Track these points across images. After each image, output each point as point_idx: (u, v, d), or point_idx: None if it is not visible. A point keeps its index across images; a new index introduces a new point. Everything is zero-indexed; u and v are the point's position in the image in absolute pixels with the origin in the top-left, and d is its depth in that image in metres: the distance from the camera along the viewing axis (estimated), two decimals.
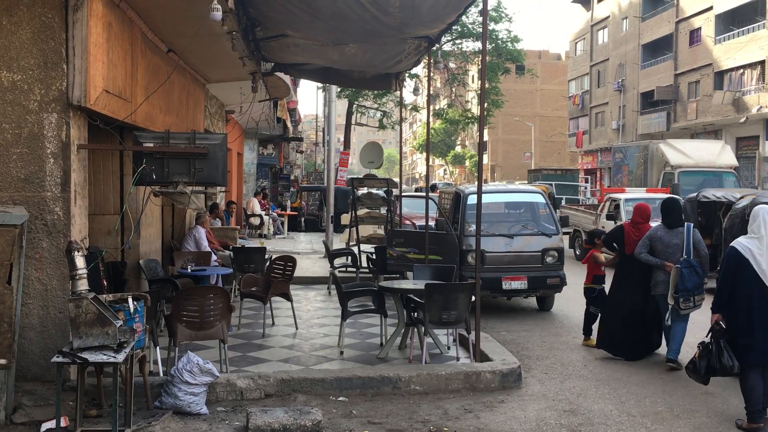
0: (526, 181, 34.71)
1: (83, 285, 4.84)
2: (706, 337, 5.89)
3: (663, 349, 7.69)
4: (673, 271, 7.06)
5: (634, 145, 24.43)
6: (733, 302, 5.60)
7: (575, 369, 7.28)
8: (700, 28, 36.10)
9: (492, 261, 9.90)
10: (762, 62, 31.33)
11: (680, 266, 7.07)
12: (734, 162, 21.21)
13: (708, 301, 6.43)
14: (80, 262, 4.90)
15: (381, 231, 14.31)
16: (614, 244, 8.25)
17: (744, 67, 32.70)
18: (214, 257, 10.10)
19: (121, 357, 4.69)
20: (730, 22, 34.06)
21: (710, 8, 34.78)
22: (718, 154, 20.72)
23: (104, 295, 5.21)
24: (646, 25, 41.35)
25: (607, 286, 8.30)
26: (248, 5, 7.28)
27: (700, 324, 7.67)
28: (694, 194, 12.71)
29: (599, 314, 8.18)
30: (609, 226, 14.08)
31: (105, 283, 6.70)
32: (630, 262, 7.74)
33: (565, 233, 13.36)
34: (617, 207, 15.85)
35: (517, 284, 9.90)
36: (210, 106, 13.11)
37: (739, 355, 5.56)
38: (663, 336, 7.75)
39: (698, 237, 7.33)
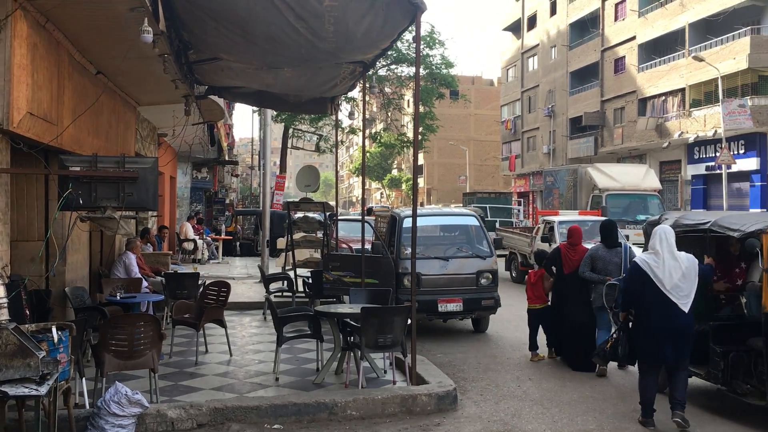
0: (461, 204, 35.19)
1: (3, 315, 4.64)
2: (615, 332, 6.78)
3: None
4: (605, 288, 7.30)
5: (564, 169, 25.16)
6: (637, 309, 6.25)
7: (510, 390, 7.38)
8: (624, 56, 37.67)
9: (428, 284, 9.97)
10: (682, 90, 32.87)
11: (618, 283, 7.32)
12: (658, 185, 22.07)
13: None
14: (0, 290, 4.69)
15: (317, 255, 14.24)
16: (553, 267, 8.71)
17: (666, 94, 34.24)
18: (144, 284, 9.84)
19: (43, 390, 4.50)
20: (653, 51, 35.69)
21: (633, 38, 36.37)
22: (643, 177, 21.53)
23: (26, 325, 5.00)
24: (574, 53, 42.87)
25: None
26: (181, 28, 7.21)
27: None
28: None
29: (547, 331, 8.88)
30: (543, 247, 14.41)
31: (28, 312, 6.42)
32: (570, 280, 8.32)
33: (500, 256, 13.59)
34: (551, 229, 15.86)
35: (452, 306, 9.98)
36: (141, 129, 12.85)
37: (638, 356, 6.31)
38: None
39: (634, 255, 7.72)
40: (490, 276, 10.30)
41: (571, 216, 17.20)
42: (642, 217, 19.36)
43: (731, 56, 29.23)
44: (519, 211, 36.66)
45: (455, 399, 6.64)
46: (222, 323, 8.64)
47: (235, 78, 9.40)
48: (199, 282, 10.37)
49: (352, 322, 7.16)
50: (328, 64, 8.36)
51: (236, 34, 6.86)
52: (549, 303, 8.84)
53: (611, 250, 8.08)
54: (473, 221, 11.36)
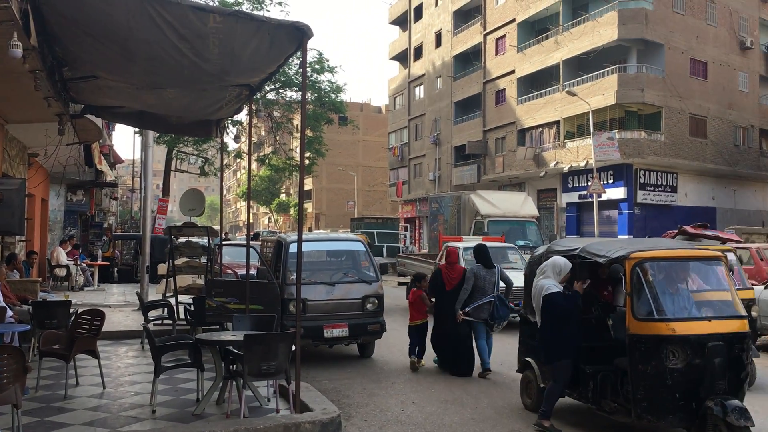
0: (349, 229, 35.37)
1: None
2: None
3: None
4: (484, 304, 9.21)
5: (448, 195, 25.86)
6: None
7: (394, 414, 7.42)
8: (504, 89, 39.44)
9: (313, 309, 9.91)
10: (557, 122, 34.77)
11: (494, 299, 9.21)
12: (535, 212, 23.11)
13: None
14: None
15: (201, 281, 13.82)
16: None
17: (543, 125, 36.09)
18: (9, 313, 9.17)
19: None
20: (531, 85, 37.61)
21: (513, 72, 38.17)
22: (522, 204, 22.49)
23: None
24: (458, 84, 44.43)
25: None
26: (54, 44, 6.86)
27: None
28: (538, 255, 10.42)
29: (431, 343, 9.87)
30: None
31: None
32: (450, 297, 9.53)
33: (402, 283, 13.62)
34: (456, 255, 15.52)
35: (338, 332, 9.96)
36: (9, 149, 12.07)
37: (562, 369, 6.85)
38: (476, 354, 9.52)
39: (504, 274, 9.57)
40: (376, 301, 10.37)
41: (475, 242, 17.24)
42: (521, 243, 20.20)
43: (601, 92, 31.29)
44: (406, 236, 37.26)
45: (339, 426, 6.60)
46: (95, 354, 8.17)
47: (114, 97, 9.04)
48: (71, 310, 9.78)
49: (234, 350, 6.98)
50: (213, 86, 8.21)
51: (115, 52, 6.63)
52: (427, 319, 9.89)
53: (489, 271, 9.49)
54: (359, 246, 11.43)
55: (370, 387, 8.77)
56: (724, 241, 12.74)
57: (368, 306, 10.28)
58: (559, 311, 6.75)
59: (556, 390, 6.85)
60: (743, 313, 6.34)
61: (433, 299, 10.01)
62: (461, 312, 9.34)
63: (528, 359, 7.75)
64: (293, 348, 6.88)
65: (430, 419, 7.24)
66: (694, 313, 6.28)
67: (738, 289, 7.63)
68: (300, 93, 31.35)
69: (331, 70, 31.55)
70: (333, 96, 32.01)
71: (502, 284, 9.58)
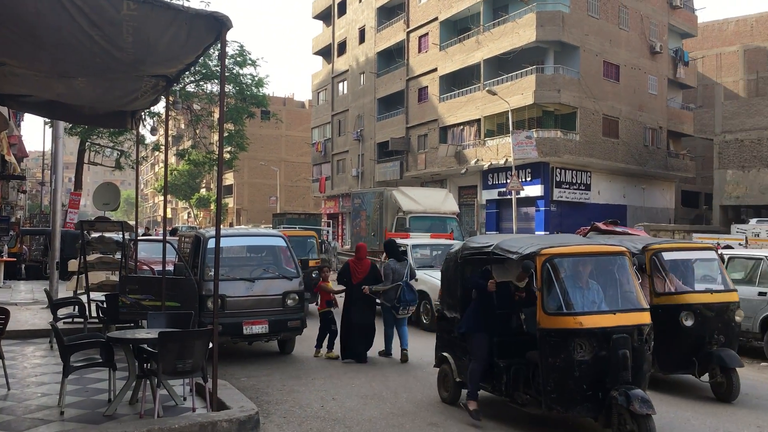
0: (271, 225, 34.98)
1: None
2: None
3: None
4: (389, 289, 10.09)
5: (371, 191, 25.93)
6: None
7: (313, 410, 7.40)
8: (427, 86, 39.88)
9: (232, 306, 9.75)
10: (478, 120, 35.44)
11: (402, 284, 10.04)
12: (456, 209, 23.45)
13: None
14: None
15: (114, 277, 13.36)
16: (344, 278, 10.48)
17: (464, 123, 36.71)
18: None
19: None
20: (452, 83, 38.18)
21: (435, 69, 38.65)
22: (443, 201, 22.78)
23: None
24: (381, 80, 44.63)
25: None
26: None
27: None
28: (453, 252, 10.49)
29: (338, 331, 10.42)
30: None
31: None
32: (358, 288, 10.18)
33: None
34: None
35: (258, 328, 9.84)
36: None
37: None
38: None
39: (412, 267, 10.90)
40: (297, 297, 10.30)
41: (423, 239, 16.73)
42: None
43: (520, 92, 32.08)
44: (328, 232, 37.15)
45: (257, 423, 6.52)
46: None
47: (21, 86, 8.59)
48: None
49: (148, 348, 6.79)
50: (127, 75, 7.93)
51: (21, 38, 6.30)
52: (327, 308, 10.65)
53: (400, 264, 10.39)
54: (280, 242, 11.31)
55: (290, 383, 8.71)
56: (633, 237, 13.28)
57: (289, 302, 10.19)
58: (474, 285, 7.25)
59: (476, 368, 7.03)
60: (645, 305, 6.63)
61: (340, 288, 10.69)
62: (366, 287, 10.16)
63: (445, 354, 7.87)
64: (210, 345, 6.75)
65: (350, 414, 7.26)
66: (600, 306, 6.52)
67: (719, 291, 8.65)
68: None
69: (253, 63, 31.09)
70: (255, 89, 31.58)
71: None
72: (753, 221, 29.22)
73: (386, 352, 10.54)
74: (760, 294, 10.87)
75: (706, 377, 8.34)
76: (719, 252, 9.67)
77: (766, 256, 11.31)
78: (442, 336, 8.06)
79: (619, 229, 14.58)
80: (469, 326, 7.22)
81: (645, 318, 6.49)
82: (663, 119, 38.83)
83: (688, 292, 8.44)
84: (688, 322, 8.12)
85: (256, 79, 31.68)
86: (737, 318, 8.49)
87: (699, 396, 8.39)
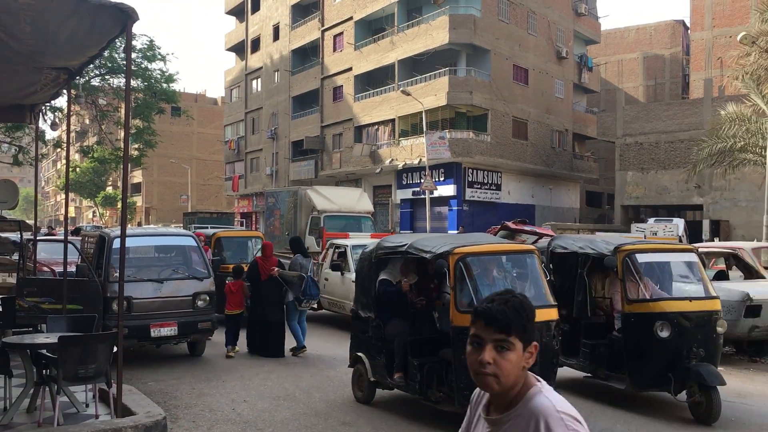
0: (182, 225, 34.09)
1: None
2: None
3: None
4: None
5: (285, 190, 25.70)
6: None
7: (224, 413, 7.25)
8: (342, 86, 39.86)
9: (140, 308, 9.43)
10: (393, 120, 35.72)
11: (308, 277, 10.34)
12: (371, 208, 23.58)
13: None
14: None
15: (12, 279, 12.66)
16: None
17: (379, 123, 36.91)
18: None
19: None
20: (367, 83, 38.32)
21: (350, 69, 38.69)
22: (357, 200, 22.85)
23: None
24: (296, 79, 44.27)
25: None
26: None
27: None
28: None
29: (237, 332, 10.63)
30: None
31: None
32: (266, 285, 10.44)
33: None
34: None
35: (166, 331, 9.55)
36: None
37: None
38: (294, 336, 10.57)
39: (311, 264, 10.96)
40: (207, 298, 10.07)
41: (363, 239, 15.41)
42: None
43: (433, 93, 32.56)
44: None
45: (165, 429, 6.32)
46: None
47: None
48: None
49: (47, 353, 6.46)
50: (25, 67, 7.51)
51: None
52: (243, 310, 10.81)
53: (306, 259, 10.78)
54: (190, 242, 11.02)
55: (199, 387, 8.50)
56: (541, 235, 13.71)
57: (199, 303, 9.95)
58: (384, 293, 7.51)
59: (399, 344, 7.17)
60: (554, 302, 6.86)
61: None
62: (276, 269, 10.51)
63: (359, 354, 7.86)
64: (115, 349, 6.50)
65: (262, 416, 7.16)
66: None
67: (700, 298, 7.61)
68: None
69: (163, 58, 30.28)
70: (164, 85, 30.71)
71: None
72: (651, 220, 30.76)
73: (299, 347, 10.55)
74: None
75: (683, 395, 7.32)
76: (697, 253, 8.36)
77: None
78: (357, 336, 8.05)
79: (527, 228, 15.03)
80: (383, 318, 7.39)
81: (553, 314, 6.70)
82: (569, 122, 40.31)
83: (665, 299, 7.59)
84: (664, 333, 7.22)
85: (166, 74, 30.88)
86: (719, 329, 7.44)
87: (676, 416, 7.39)
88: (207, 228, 26.62)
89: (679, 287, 8.30)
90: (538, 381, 2.00)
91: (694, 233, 30.28)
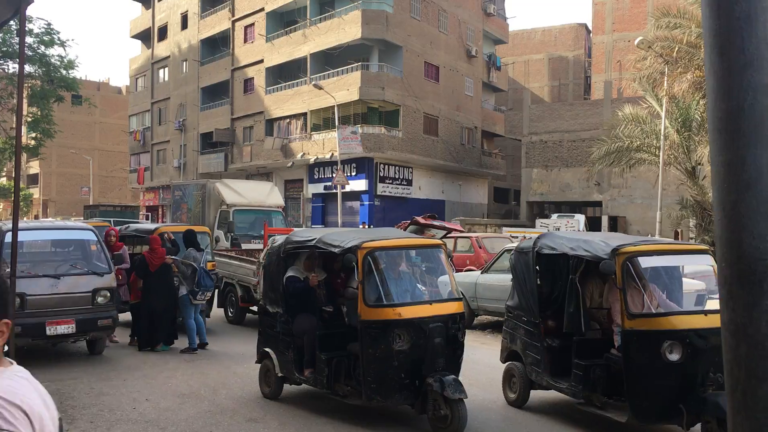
0: (82, 218, 32.67)
1: None
2: None
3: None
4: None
5: (193, 183, 25.06)
6: None
7: (124, 413, 7.00)
8: (253, 78, 39.23)
9: (34, 304, 8.93)
10: (305, 114, 35.48)
11: (200, 269, 10.26)
12: (281, 202, 23.34)
13: None
14: None
15: None
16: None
17: (291, 117, 36.58)
18: None
19: None
20: (279, 75, 37.87)
21: (261, 61, 38.12)
22: (268, 194, 22.54)
23: None
24: (205, 69, 43.21)
25: None
26: None
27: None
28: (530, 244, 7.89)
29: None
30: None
31: None
32: (155, 278, 10.37)
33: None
34: (158, 242, 12.59)
35: (63, 328, 9.11)
36: None
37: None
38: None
39: (207, 258, 10.80)
40: (108, 294, 9.67)
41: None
42: None
43: (346, 87, 32.54)
44: None
45: (60, 430, 6.03)
46: None
47: None
48: None
49: None
50: None
51: None
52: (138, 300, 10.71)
53: (199, 252, 10.54)
54: (90, 236, 10.56)
55: (98, 386, 8.16)
56: (450, 230, 13.96)
57: (99, 299, 9.54)
58: (292, 289, 7.39)
59: (308, 340, 7.13)
60: (459, 296, 7.01)
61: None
62: (170, 258, 10.59)
63: (267, 349, 7.76)
64: (6, 348, 6.14)
65: (165, 415, 6.95)
66: (418, 297, 6.79)
67: (715, 312, 5.74)
68: (25, 65, 28.21)
69: (63, 43, 28.85)
70: (64, 72, 29.28)
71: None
72: (554, 216, 31.97)
73: (191, 348, 10.33)
74: None
75: (697, 430, 6.04)
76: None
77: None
78: (265, 331, 7.94)
79: (437, 222, 15.23)
80: (291, 314, 7.35)
81: (459, 307, 6.82)
82: (478, 120, 41.22)
83: (674, 314, 6.23)
84: (674, 356, 5.88)
85: (66, 60, 29.42)
86: None
87: None
88: (110, 221, 25.63)
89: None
90: (11, 364, 1.87)
91: (594, 229, 31.70)
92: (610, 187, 34.23)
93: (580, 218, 30.40)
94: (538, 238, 7.59)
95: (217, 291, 13.04)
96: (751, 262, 1.49)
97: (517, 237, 23.86)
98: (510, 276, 12.67)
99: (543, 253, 7.30)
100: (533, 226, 31.17)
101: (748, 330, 1.49)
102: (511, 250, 13.99)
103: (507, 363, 7.75)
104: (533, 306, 7.25)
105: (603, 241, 6.51)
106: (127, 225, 14.91)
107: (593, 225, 32.94)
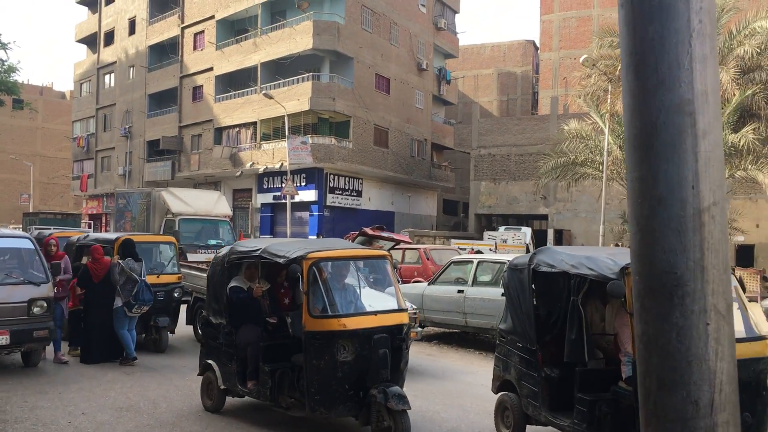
0: (21, 226, 31.67)
1: None
2: None
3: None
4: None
5: (138, 191, 24.59)
6: None
7: (59, 427, 6.78)
8: (202, 85, 38.78)
9: None
10: (255, 123, 35.22)
11: (141, 282, 9.88)
12: (229, 211, 23.07)
13: None
14: None
15: None
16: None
17: (240, 126, 36.26)
18: None
19: None
20: (229, 84, 37.54)
21: (211, 69, 37.73)
22: (215, 203, 22.27)
23: None
24: (153, 76, 42.52)
25: None
26: None
27: None
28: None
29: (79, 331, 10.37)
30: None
31: None
32: (98, 288, 10.07)
33: (184, 301, 11.76)
34: (100, 252, 12.92)
35: None
36: None
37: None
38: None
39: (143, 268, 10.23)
40: (45, 304, 9.37)
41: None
42: (213, 242, 20.01)
43: (296, 97, 32.44)
44: (88, 234, 34.46)
45: None
46: None
47: None
48: None
49: None
50: None
51: None
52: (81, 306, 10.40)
53: (138, 263, 10.15)
54: (27, 244, 10.23)
55: (33, 399, 7.89)
56: (398, 242, 14.02)
57: (35, 310, 9.24)
58: (236, 299, 7.28)
59: (251, 352, 7.03)
60: (404, 306, 7.02)
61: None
62: (117, 257, 10.18)
63: (209, 361, 7.63)
64: None
65: (102, 429, 6.77)
66: (362, 308, 6.77)
67: (742, 340, 5.25)
68: None
69: (4, 46, 28.01)
70: (4, 75, 28.43)
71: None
72: (502, 229, 32.43)
73: (129, 357, 10.01)
74: (503, 295, 11.96)
75: None
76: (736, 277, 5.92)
77: (509, 261, 12.51)
78: (208, 343, 7.81)
79: (385, 234, 15.29)
80: (235, 325, 7.25)
81: (403, 318, 6.79)
82: (428, 132, 41.58)
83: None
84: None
85: (6, 64, 28.57)
86: None
87: None
88: (50, 229, 24.92)
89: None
90: None
91: (539, 241, 32.25)
92: (556, 201, 34.92)
93: (527, 231, 30.90)
94: (535, 253, 6.77)
95: (185, 306, 12.39)
96: (662, 275, 1.55)
97: (464, 249, 24.14)
98: (456, 288, 12.96)
99: (540, 270, 6.43)
100: (481, 239, 31.55)
101: (659, 341, 1.55)
102: (458, 261, 14.22)
103: (500, 394, 6.88)
104: (529, 331, 6.41)
105: (609, 258, 5.66)
106: (86, 234, 14.17)
107: (539, 238, 33.53)
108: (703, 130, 1.54)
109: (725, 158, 18.60)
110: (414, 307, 10.55)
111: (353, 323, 6.40)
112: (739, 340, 4.33)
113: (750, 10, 23.76)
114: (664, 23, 1.53)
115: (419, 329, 10.89)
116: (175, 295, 11.48)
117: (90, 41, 50.28)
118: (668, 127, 1.53)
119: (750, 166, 18.33)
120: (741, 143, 17.85)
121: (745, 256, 28.64)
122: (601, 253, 6.10)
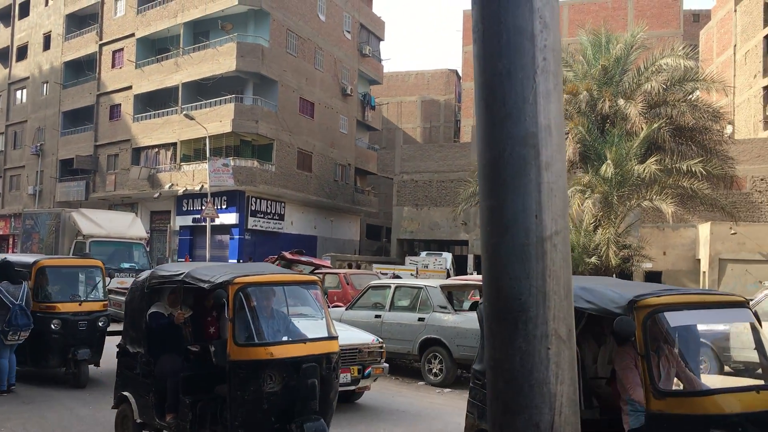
0: None
1: None
2: None
3: None
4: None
5: (46, 212, 23.64)
6: None
7: None
8: (120, 104, 37.78)
9: None
10: (175, 144, 34.50)
11: (15, 308, 9.33)
12: (144, 234, 22.48)
13: None
14: None
15: None
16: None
17: (159, 146, 35.44)
18: None
19: None
20: (148, 103, 36.71)
21: (130, 87, 36.83)
22: (129, 225, 21.64)
23: None
24: (68, 92, 41.16)
25: None
26: None
27: None
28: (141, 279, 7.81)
29: None
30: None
31: None
32: None
33: (115, 332, 10.95)
34: None
35: None
36: None
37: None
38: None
39: (28, 291, 9.69)
40: None
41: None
42: (126, 265, 19.39)
43: (218, 119, 32.01)
44: None
45: None
46: None
47: None
48: None
49: None
50: None
51: None
52: None
53: (15, 287, 9.58)
54: None
55: None
56: (317, 266, 13.97)
57: None
58: (156, 326, 6.94)
59: (171, 383, 6.65)
60: (335, 334, 6.67)
61: None
62: None
63: (125, 393, 7.16)
64: None
65: None
66: (291, 335, 6.47)
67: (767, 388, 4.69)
68: None
69: None
70: None
71: None
72: (423, 254, 32.77)
73: (4, 389, 9.44)
74: (420, 320, 12.06)
75: None
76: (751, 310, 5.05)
77: (425, 286, 12.63)
78: (123, 373, 7.32)
79: (304, 258, 15.22)
80: (154, 354, 6.89)
81: (334, 346, 6.48)
82: (351, 157, 41.77)
83: (721, 392, 4.69)
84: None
85: None
86: None
87: None
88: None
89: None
90: None
91: (460, 267, 32.75)
92: (476, 227, 35.57)
93: (448, 256, 31.35)
94: None
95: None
96: (509, 301, 1.61)
97: (386, 273, 24.24)
98: (374, 312, 12.94)
99: None
100: (403, 263, 31.76)
101: (504, 366, 1.60)
102: (376, 286, 14.22)
103: None
104: None
105: (612, 290, 4.91)
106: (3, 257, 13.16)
107: (460, 263, 34.03)
108: (546, 161, 1.61)
109: (632, 189, 19.43)
110: (380, 339, 9.92)
111: (281, 352, 6.06)
112: (766, 388, 4.57)
113: (657, 47, 25.07)
114: (512, 59, 1.60)
115: (385, 365, 9.80)
116: (100, 324, 10.50)
117: (2, 55, 48.27)
118: (514, 159, 1.59)
119: (655, 197, 19.18)
120: (645, 174, 18.67)
121: (653, 282, 29.93)
122: (600, 283, 5.44)
